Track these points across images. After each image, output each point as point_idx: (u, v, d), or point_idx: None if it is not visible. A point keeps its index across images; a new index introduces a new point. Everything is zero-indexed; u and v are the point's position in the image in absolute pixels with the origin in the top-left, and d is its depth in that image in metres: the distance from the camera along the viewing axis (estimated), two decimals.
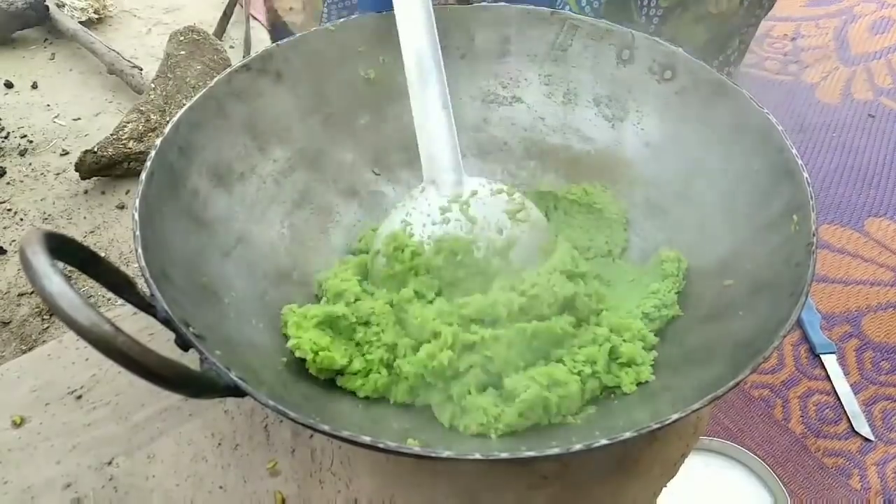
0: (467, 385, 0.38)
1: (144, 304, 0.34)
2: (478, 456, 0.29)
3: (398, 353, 0.41)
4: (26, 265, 0.24)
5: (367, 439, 0.30)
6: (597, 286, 0.45)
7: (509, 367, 0.39)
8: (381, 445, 0.30)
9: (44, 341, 0.52)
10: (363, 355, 0.41)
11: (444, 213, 0.44)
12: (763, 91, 1.26)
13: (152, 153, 0.41)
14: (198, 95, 0.46)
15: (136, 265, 0.48)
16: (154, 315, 0.34)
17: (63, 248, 0.28)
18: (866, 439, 0.85)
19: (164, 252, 0.38)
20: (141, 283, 0.36)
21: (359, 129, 0.54)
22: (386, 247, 0.43)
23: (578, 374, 0.39)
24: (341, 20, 0.52)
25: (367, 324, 0.41)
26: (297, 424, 0.42)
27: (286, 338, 0.41)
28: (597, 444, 0.30)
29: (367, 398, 0.41)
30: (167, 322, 0.33)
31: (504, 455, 0.30)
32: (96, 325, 0.24)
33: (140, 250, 0.36)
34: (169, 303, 0.34)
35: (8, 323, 0.55)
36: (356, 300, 0.42)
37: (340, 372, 0.41)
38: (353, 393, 0.41)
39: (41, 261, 0.24)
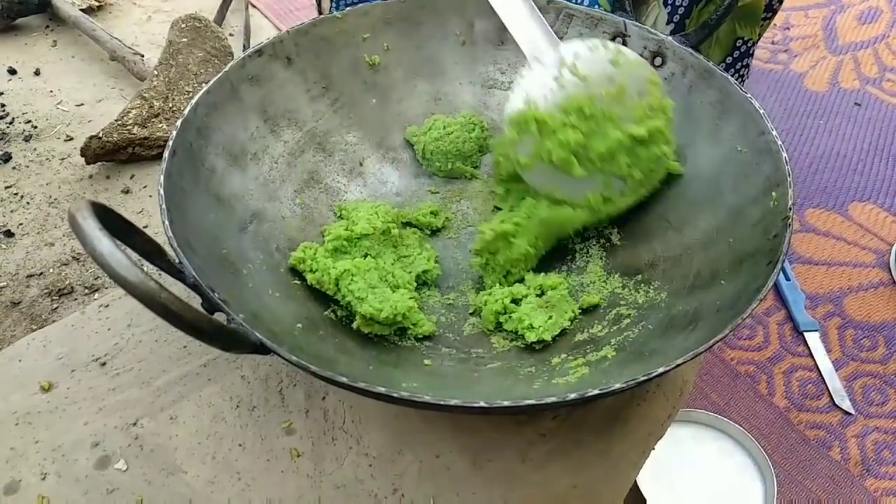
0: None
1: (174, 271, 0.36)
2: (482, 404, 0.32)
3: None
4: (77, 229, 0.27)
5: (381, 389, 0.33)
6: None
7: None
8: (394, 395, 0.33)
9: (53, 321, 0.54)
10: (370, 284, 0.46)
11: (559, 81, 0.48)
12: (752, 79, 1.29)
13: (173, 133, 0.44)
14: (214, 78, 0.48)
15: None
16: (182, 280, 0.36)
17: (104, 216, 0.30)
18: (847, 413, 0.88)
19: (186, 225, 0.41)
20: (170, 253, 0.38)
21: (364, 112, 0.56)
22: (516, 127, 0.48)
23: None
24: (348, 8, 0.55)
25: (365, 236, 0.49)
26: (310, 387, 0.46)
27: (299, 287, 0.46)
28: (590, 394, 0.33)
29: (377, 359, 0.44)
30: (195, 287, 0.36)
31: (506, 403, 0.33)
32: (143, 282, 0.27)
33: (167, 221, 0.38)
34: (195, 269, 0.36)
35: (18, 303, 0.57)
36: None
37: (372, 319, 0.44)
38: (364, 353, 0.44)
39: (91, 225, 0.27)
